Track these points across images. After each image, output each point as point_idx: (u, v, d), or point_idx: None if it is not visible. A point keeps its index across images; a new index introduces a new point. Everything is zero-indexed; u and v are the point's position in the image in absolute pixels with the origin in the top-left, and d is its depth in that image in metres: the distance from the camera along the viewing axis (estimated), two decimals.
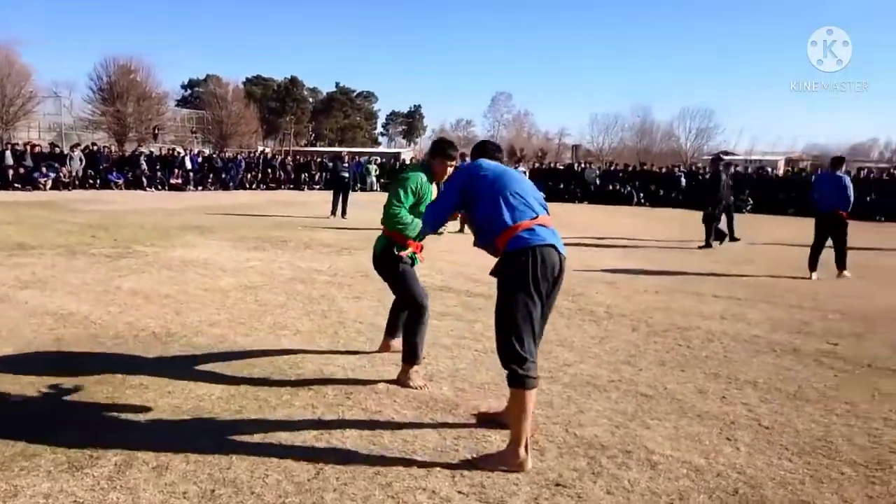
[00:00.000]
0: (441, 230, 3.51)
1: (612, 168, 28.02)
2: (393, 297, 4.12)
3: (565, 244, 2.93)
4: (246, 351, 4.37)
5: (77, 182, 21.34)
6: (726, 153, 41.15)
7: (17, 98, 32.84)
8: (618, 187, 25.15)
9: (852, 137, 77.63)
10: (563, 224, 3.02)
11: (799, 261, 9.08)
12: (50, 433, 3.00)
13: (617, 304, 6.27)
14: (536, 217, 2.85)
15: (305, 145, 60.15)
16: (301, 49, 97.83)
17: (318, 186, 27.06)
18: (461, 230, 11.12)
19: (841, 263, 8.43)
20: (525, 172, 18.57)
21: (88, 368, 3.90)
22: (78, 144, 24.40)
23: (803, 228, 14.84)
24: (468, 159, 3.70)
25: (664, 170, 27.32)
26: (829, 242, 8.51)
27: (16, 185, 19.81)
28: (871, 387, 4.07)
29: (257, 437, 3.02)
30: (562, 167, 30.12)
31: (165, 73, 76.44)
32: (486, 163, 3.07)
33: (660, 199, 24.02)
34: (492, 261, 2.97)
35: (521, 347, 2.73)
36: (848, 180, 8.42)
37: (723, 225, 12.88)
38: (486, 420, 3.28)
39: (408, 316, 3.90)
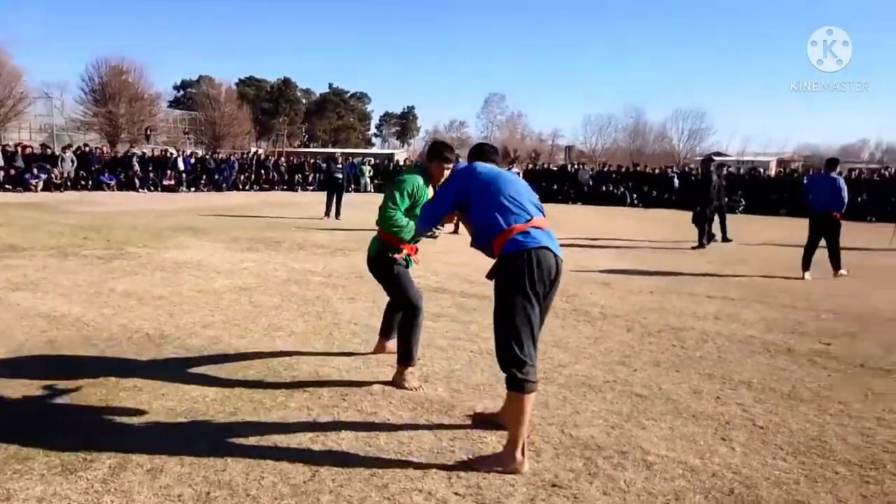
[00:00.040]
0: (436, 233, 3.50)
1: (605, 169, 28.09)
2: (387, 298, 4.11)
3: (559, 245, 2.93)
4: (240, 353, 4.35)
5: (69, 183, 21.21)
6: (718, 154, 41.39)
7: (8, 99, 32.68)
8: (611, 188, 25.23)
9: (843, 138, 78.29)
10: (556, 225, 3.03)
11: (792, 261, 9.13)
12: (43, 436, 2.97)
13: (611, 305, 6.28)
14: (531, 219, 2.85)
15: (299, 146, 60.06)
16: (294, 50, 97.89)
17: (311, 187, 27.01)
18: (455, 231, 11.13)
19: (836, 263, 8.51)
20: (518, 174, 18.59)
21: (82, 370, 3.88)
22: (70, 145, 24.31)
23: (796, 229, 14.93)
24: (461, 160, 3.70)
25: (657, 171, 27.41)
26: (823, 243, 8.56)
27: (7, 186, 19.67)
28: (864, 386, 4.09)
29: (252, 439, 3.01)
30: (555, 168, 30.17)
31: (158, 74, 76.27)
32: (482, 166, 3.07)
33: (653, 200, 24.11)
34: (487, 262, 2.97)
35: (519, 351, 2.73)
36: (843, 182, 8.51)
37: (716, 226, 12.96)
38: (482, 420, 3.28)
39: (402, 317, 3.89)
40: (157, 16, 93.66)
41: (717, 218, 12.97)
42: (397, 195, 3.67)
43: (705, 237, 11.85)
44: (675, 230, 14.29)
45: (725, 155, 43.02)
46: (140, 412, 3.30)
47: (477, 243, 3.00)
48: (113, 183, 22.28)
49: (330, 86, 71.49)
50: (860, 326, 5.73)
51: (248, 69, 76.48)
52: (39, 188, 20.06)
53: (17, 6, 75.12)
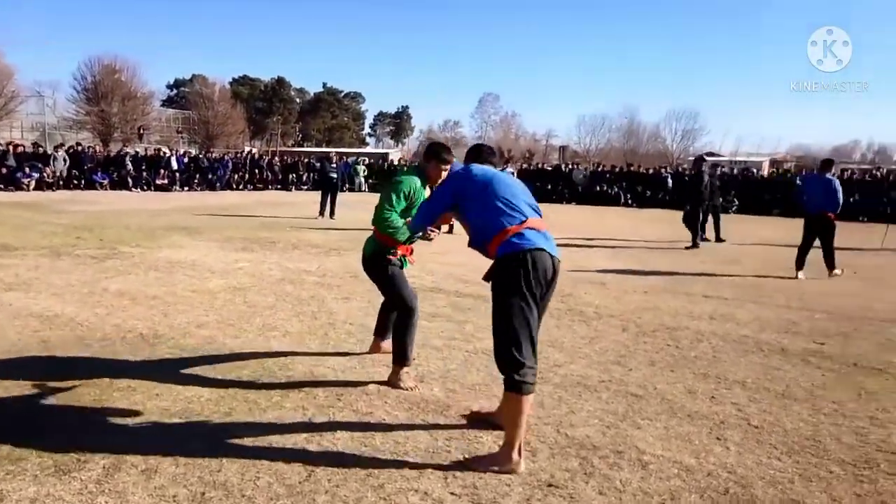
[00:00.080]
0: (431, 235, 3.53)
1: (599, 169, 28.14)
2: (382, 297, 4.11)
3: (556, 245, 2.93)
4: (235, 352, 4.34)
5: (61, 182, 21.07)
6: (711, 154, 41.53)
7: (0, 97, 32.44)
8: (605, 188, 25.27)
9: (835, 139, 78.76)
10: (551, 225, 3.03)
11: (785, 261, 9.18)
12: (36, 436, 2.95)
13: (606, 305, 6.29)
14: (525, 221, 2.85)
15: (293, 146, 59.95)
16: (288, 49, 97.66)
17: (305, 187, 26.94)
18: (450, 230, 11.12)
19: (830, 264, 8.55)
20: (513, 173, 18.60)
21: (75, 371, 3.86)
22: (62, 144, 24.12)
23: (789, 229, 14.99)
24: (455, 160, 3.70)
25: (651, 171, 27.48)
26: (817, 243, 8.61)
27: None
28: (857, 386, 4.12)
29: (248, 440, 3.00)
30: (549, 168, 30.21)
31: (151, 73, 75.86)
32: (478, 167, 3.08)
33: (647, 200, 24.15)
34: (482, 261, 2.97)
35: (517, 352, 2.73)
36: (837, 183, 8.56)
37: (709, 226, 13.01)
38: (479, 420, 3.28)
39: (397, 317, 3.89)
40: (149, 15, 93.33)
41: (710, 218, 13.04)
42: (393, 196, 3.66)
43: (698, 237, 11.89)
44: (669, 230, 14.32)
45: (719, 155, 43.19)
46: (134, 412, 3.29)
47: (474, 244, 3.00)
48: (106, 182, 22.17)
49: (324, 85, 71.48)
50: (853, 326, 5.75)
51: (241, 68, 76.50)
52: (31, 187, 19.92)
53: (18, 6, 74.62)
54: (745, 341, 5.10)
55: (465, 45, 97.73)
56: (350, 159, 30.03)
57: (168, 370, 3.92)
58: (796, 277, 8.38)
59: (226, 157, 27.62)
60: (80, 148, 23.84)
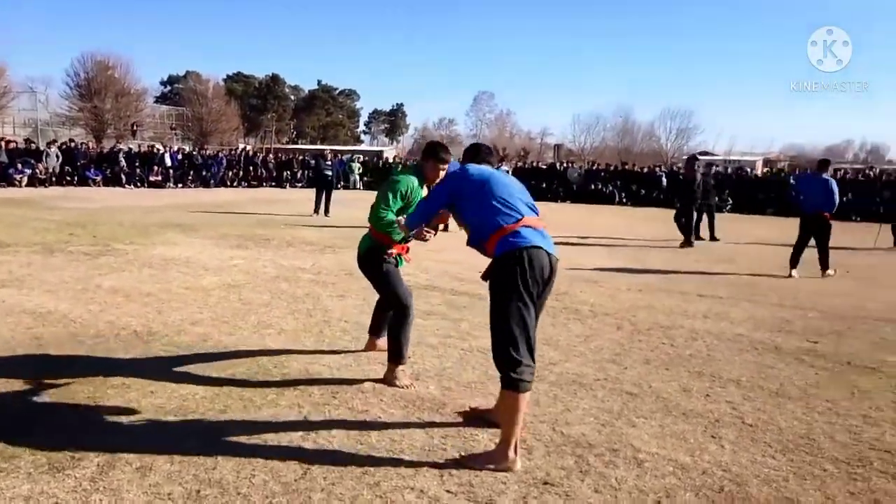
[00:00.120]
0: (427, 236, 3.54)
1: (594, 168, 28.18)
2: (377, 295, 4.10)
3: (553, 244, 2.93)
4: (230, 350, 4.33)
5: (54, 179, 20.98)
6: (706, 153, 41.63)
7: None
8: (600, 187, 25.31)
9: (828, 138, 79.15)
10: (546, 223, 3.03)
11: (779, 260, 9.22)
12: (29, 434, 2.94)
13: (601, 303, 6.30)
14: (522, 219, 2.85)
15: (287, 143, 59.73)
16: (283, 46, 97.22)
17: (300, 184, 26.90)
18: (445, 229, 11.11)
19: (824, 263, 8.59)
20: (508, 172, 18.61)
21: (68, 368, 3.84)
22: (55, 141, 24.02)
23: (782, 228, 15.06)
24: (453, 159, 3.70)
25: (645, 170, 27.53)
26: (812, 243, 8.65)
27: None
28: (850, 384, 4.14)
29: (243, 438, 2.99)
30: (544, 167, 30.24)
31: (144, 70, 75.10)
32: (475, 167, 3.09)
33: (641, 199, 24.21)
34: (478, 259, 2.98)
35: (514, 351, 2.73)
36: (834, 184, 8.61)
37: (704, 225, 13.06)
38: (475, 417, 3.28)
39: (392, 315, 3.88)
40: (143, 11, 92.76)
41: (705, 217, 13.09)
42: (390, 196, 3.65)
43: (692, 235, 11.93)
44: (663, 229, 14.34)
45: (713, 154, 43.31)
46: (128, 410, 3.27)
47: (472, 243, 3.01)
48: (99, 179, 22.07)
49: (319, 82, 71.10)
50: (846, 325, 5.78)
51: (235, 65, 76.13)
52: (24, 184, 19.81)
53: (18, 6, 74.01)
54: (740, 340, 5.12)
55: (461, 43, 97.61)
56: (345, 157, 29.98)
57: (162, 368, 3.90)
58: (790, 276, 8.42)
59: (220, 155, 27.53)
60: (72, 144, 23.72)
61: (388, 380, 3.76)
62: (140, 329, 4.73)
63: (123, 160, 23.22)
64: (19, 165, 20.15)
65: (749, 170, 29.52)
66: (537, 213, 2.99)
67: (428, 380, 3.89)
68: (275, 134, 61.72)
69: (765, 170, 32.71)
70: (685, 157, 16.79)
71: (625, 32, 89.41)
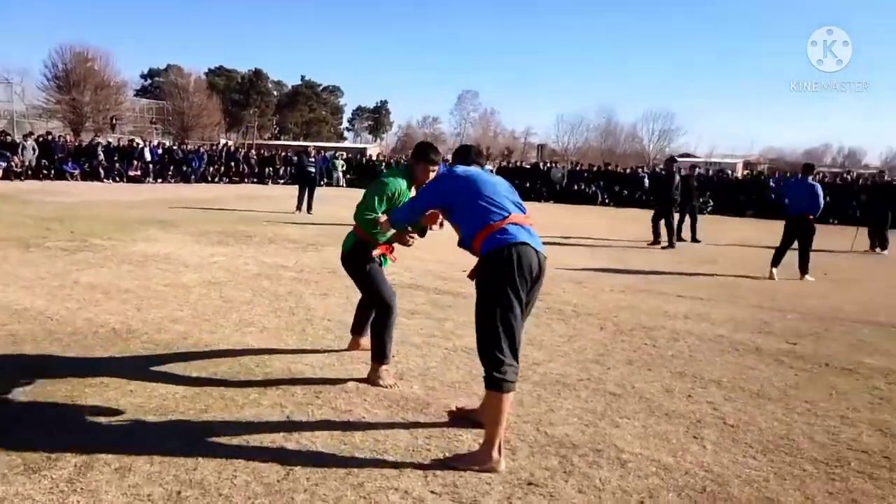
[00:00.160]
0: (410, 241, 3.53)
1: (577, 168, 28.33)
2: (360, 294, 4.07)
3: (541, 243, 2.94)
4: (211, 349, 4.27)
5: (30, 172, 20.61)
6: (687, 155, 42.06)
7: None
8: (583, 187, 25.45)
9: (807, 142, 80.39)
10: (533, 221, 3.04)
11: (759, 261, 9.33)
12: (4, 434, 2.88)
13: (584, 304, 6.33)
14: (509, 216, 2.85)
15: (269, 139, 59.31)
16: (266, 41, 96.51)
17: (282, 181, 26.71)
18: (441, 226, 11.03)
19: (803, 267, 8.71)
20: (492, 171, 18.62)
21: (45, 366, 3.76)
22: (31, 133, 23.58)
23: (762, 230, 15.27)
24: (433, 155, 3.68)
25: (628, 170, 27.74)
26: (794, 246, 8.77)
27: None
28: (828, 385, 4.20)
29: (224, 438, 2.95)
30: (528, 166, 30.33)
31: (124, 62, 74.28)
32: (462, 168, 3.09)
33: (623, 200, 24.39)
34: (463, 258, 2.97)
35: (497, 350, 2.72)
36: (820, 188, 8.78)
37: (686, 226, 13.18)
38: (460, 417, 3.27)
39: (375, 315, 3.85)
40: (123, 2, 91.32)
41: (687, 219, 13.21)
42: (376, 200, 3.60)
43: (673, 237, 12.03)
44: (645, 229, 14.44)
45: (694, 156, 43.78)
46: (107, 409, 3.21)
47: (462, 244, 3.00)
48: (77, 173, 21.72)
49: (302, 78, 70.73)
50: (824, 326, 5.87)
51: (217, 59, 75.34)
52: None
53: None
54: (721, 341, 5.17)
55: (445, 41, 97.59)
56: (328, 154, 29.83)
57: (142, 366, 3.84)
58: (770, 275, 8.53)
59: (201, 150, 27.25)
60: (50, 137, 23.30)
61: (372, 379, 3.73)
62: (119, 326, 4.65)
63: (102, 154, 22.87)
64: None
65: (730, 172, 29.87)
66: (525, 212, 2.99)
67: (412, 379, 3.87)
68: (257, 129, 61.22)
69: (745, 172, 33.10)
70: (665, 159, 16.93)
71: (609, 32, 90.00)
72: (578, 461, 2.91)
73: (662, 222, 12.05)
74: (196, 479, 2.56)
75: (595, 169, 27.66)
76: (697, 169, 18.25)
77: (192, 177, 24.64)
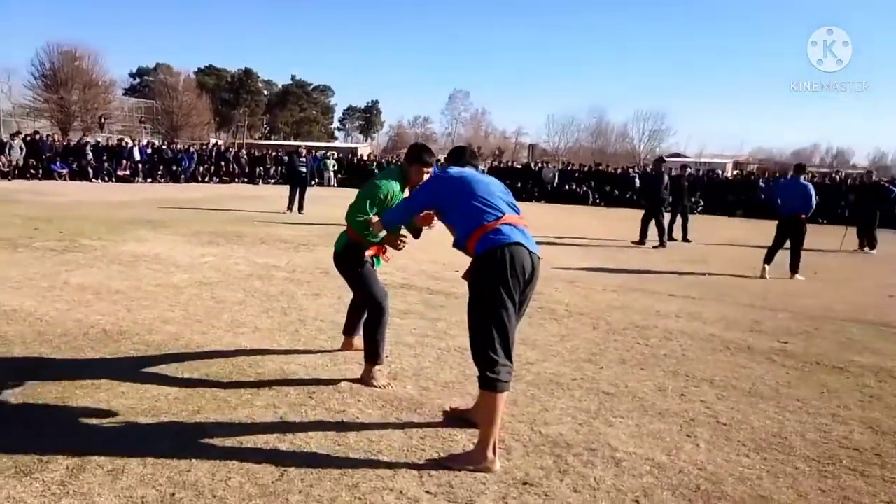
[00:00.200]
0: (401, 246, 3.52)
1: (568, 168, 28.39)
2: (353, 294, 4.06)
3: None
4: (203, 349, 4.25)
5: (17, 171, 20.41)
6: (678, 155, 42.26)
7: None
8: (574, 187, 25.51)
9: (796, 142, 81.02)
10: (527, 221, 3.04)
11: (749, 260, 9.40)
12: None
13: (576, 303, 6.34)
14: (502, 216, 2.85)
15: (260, 138, 59.08)
16: (256, 40, 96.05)
17: (272, 181, 26.61)
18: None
19: (794, 267, 8.78)
20: (483, 171, 18.61)
21: (35, 368, 3.73)
22: (19, 132, 23.37)
23: (752, 229, 15.37)
24: (427, 157, 3.67)
25: (619, 170, 27.84)
26: (787, 245, 8.83)
27: None
28: (819, 384, 4.23)
29: (218, 439, 2.93)
30: (519, 166, 30.38)
31: (113, 61, 73.71)
32: (456, 169, 3.09)
33: (614, 199, 24.47)
34: (455, 257, 2.97)
35: (491, 350, 2.72)
36: (812, 188, 8.87)
37: (677, 226, 13.24)
38: (455, 417, 3.27)
39: (367, 315, 3.84)
40: (111, 1, 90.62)
41: (679, 218, 13.28)
42: (367, 203, 3.57)
43: (664, 237, 12.08)
44: (636, 229, 14.52)
45: (684, 156, 44.02)
46: (98, 411, 3.19)
47: (457, 245, 3.00)
48: (65, 172, 21.54)
49: (293, 77, 70.47)
50: (815, 325, 5.91)
51: (207, 58, 74.88)
52: None
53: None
54: (713, 340, 5.20)
55: (436, 41, 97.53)
56: (319, 153, 29.74)
57: (133, 367, 3.81)
58: (763, 272, 8.60)
59: (191, 149, 27.10)
60: (37, 136, 23.08)
61: (365, 380, 3.72)
62: (109, 328, 4.61)
63: (91, 153, 22.69)
64: None
65: (720, 172, 30.02)
66: (519, 213, 2.98)
67: (405, 379, 3.86)
68: (247, 129, 60.99)
69: (735, 172, 33.28)
70: (654, 159, 17.01)
71: (600, 32, 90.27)
72: (573, 460, 2.92)
73: (652, 222, 12.10)
74: (190, 481, 2.55)
75: (586, 169, 27.73)
76: (688, 169, 18.36)
77: (182, 176, 24.50)
